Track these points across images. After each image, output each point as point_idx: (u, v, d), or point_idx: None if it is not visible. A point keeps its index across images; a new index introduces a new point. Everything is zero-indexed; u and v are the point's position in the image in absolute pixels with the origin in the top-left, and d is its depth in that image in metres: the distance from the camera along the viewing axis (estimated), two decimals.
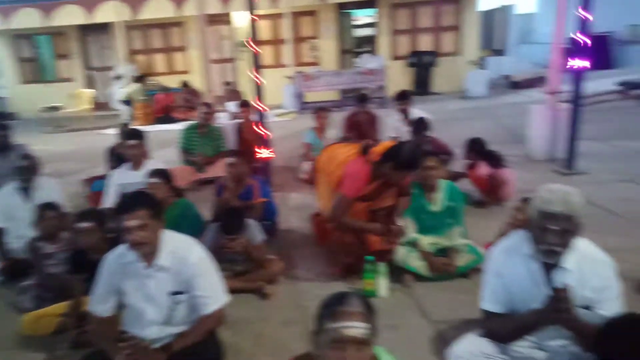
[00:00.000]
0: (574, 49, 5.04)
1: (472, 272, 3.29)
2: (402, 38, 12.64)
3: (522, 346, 2.15)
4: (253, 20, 5.15)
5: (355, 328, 1.47)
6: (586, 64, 4.95)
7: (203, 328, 2.35)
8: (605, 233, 3.83)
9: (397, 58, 12.63)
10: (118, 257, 2.34)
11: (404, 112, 5.99)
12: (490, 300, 2.20)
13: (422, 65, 12.17)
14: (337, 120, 6.87)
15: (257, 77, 5.34)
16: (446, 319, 2.85)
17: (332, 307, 1.52)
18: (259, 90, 5.42)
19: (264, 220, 4.14)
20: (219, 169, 5.21)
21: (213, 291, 2.37)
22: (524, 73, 12.18)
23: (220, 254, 3.28)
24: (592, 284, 2.01)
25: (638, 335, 1.37)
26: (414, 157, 3.08)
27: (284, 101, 12.07)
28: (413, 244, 3.40)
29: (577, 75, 5.04)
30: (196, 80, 13.17)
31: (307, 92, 11.62)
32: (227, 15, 12.79)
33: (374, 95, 12.04)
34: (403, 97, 5.97)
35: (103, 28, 12.94)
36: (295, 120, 10.35)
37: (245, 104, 6.22)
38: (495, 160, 4.70)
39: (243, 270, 3.36)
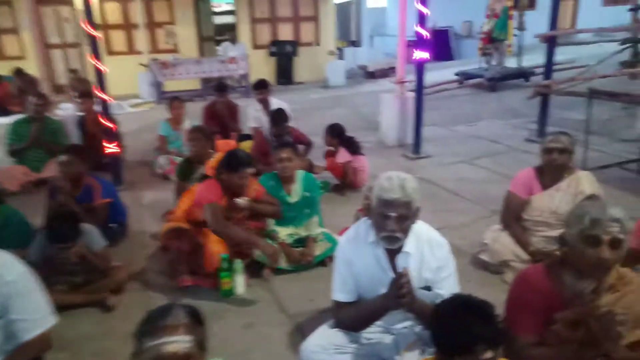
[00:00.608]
0: (416, 42, 5.38)
1: (329, 259, 3.33)
2: (262, 27, 12.52)
3: (372, 332, 2.20)
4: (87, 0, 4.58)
5: (175, 343, 1.33)
6: (426, 55, 5.33)
7: (23, 357, 2.00)
8: (448, 212, 4.20)
9: (258, 47, 12.49)
10: None
11: (263, 102, 5.90)
12: (340, 290, 2.21)
13: (283, 55, 12.21)
14: (196, 111, 6.56)
15: (97, 65, 4.78)
16: (304, 311, 2.84)
17: (151, 323, 1.36)
18: (100, 78, 4.88)
19: (109, 223, 3.76)
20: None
21: (35, 313, 2.02)
22: (378, 63, 12.92)
23: (54, 266, 2.89)
24: (430, 265, 2.12)
25: (460, 317, 1.44)
26: (235, 157, 3.07)
27: (140, 90, 11.23)
28: (270, 237, 3.34)
29: (419, 67, 5.41)
30: (32, 67, 11.62)
31: (166, 81, 10.94)
32: None
33: (237, 85, 11.83)
34: (261, 87, 5.87)
35: None
36: (153, 111, 9.68)
37: (85, 94, 5.57)
38: (353, 146, 4.84)
39: (83, 281, 2.98)
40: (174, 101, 5.54)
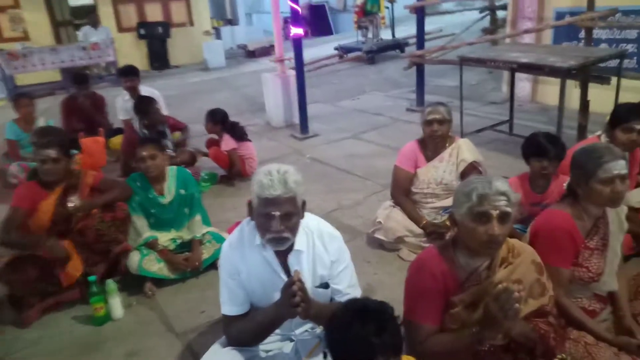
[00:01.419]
0: (291, 18, 5.16)
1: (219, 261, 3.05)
2: (126, 7, 11.42)
3: (270, 342, 2.00)
4: None
5: None
6: (301, 31, 5.14)
7: None
8: (340, 191, 4.11)
9: (124, 30, 11.40)
10: None
11: (132, 90, 5.31)
12: (228, 303, 1.97)
13: (154, 37, 11.29)
14: (57, 106, 5.75)
15: None
16: (195, 326, 2.55)
17: None
18: None
19: None
20: None
21: None
22: (258, 42, 12.52)
23: None
24: (324, 260, 1.95)
25: (356, 328, 1.28)
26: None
27: None
28: (150, 245, 2.96)
29: (297, 43, 5.21)
30: None
31: (17, 74, 9.56)
32: None
33: (104, 73, 10.73)
34: (128, 73, 5.26)
35: None
36: (4, 110, 8.39)
37: None
38: (238, 133, 4.52)
39: None
40: (20, 98, 4.74)
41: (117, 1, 11.30)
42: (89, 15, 10.90)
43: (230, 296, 1.96)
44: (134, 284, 2.88)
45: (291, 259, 1.91)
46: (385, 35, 10.28)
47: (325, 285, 2.00)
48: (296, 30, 5.12)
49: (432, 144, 3.07)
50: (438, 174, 3.06)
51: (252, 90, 8.26)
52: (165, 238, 3.07)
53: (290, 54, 5.55)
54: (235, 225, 3.32)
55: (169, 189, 3.06)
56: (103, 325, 2.61)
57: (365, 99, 7.26)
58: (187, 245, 3.10)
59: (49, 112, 6.75)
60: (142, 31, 11.23)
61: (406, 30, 11.51)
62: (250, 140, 4.65)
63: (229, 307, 1.97)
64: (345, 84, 8.36)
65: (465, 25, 8.46)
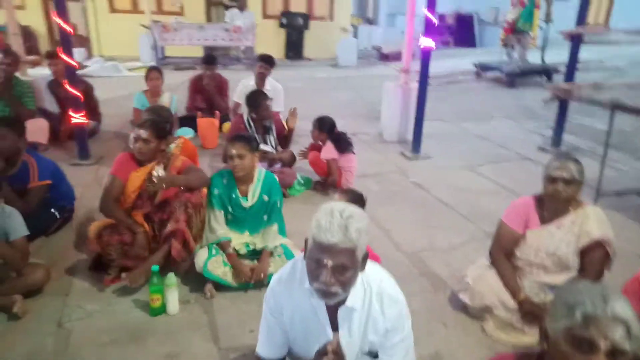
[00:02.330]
0: (425, 29, 4.79)
1: None
2: None
3: None
4: None
5: None
6: (431, 43, 4.74)
7: None
8: (435, 228, 3.70)
9: (268, 17, 11.84)
10: None
11: (261, 76, 5.40)
12: (265, 344, 1.80)
13: (294, 28, 11.55)
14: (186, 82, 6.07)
15: (61, 23, 4.25)
16: (239, 345, 2.39)
17: None
18: (66, 40, 4.36)
19: (50, 207, 3.33)
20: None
21: None
22: (393, 45, 12.19)
23: None
24: (378, 325, 1.67)
25: None
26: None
27: (141, 53, 10.73)
28: (221, 245, 2.87)
29: (425, 55, 4.82)
30: (31, 19, 11.16)
31: (167, 46, 10.42)
32: None
33: (241, 56, 11.25)
34: (266, 61, 5.37)
35: None
36: None
37: (52, 55, 5.07)
38: (342, 144, 4.31)
39: None
40: (151, 71, 5.03)
41: None
42: None
43: (268, 335, 1.78)
44: (197, 280, 2.82)
45: (341, 313, 1.65)
46: (533, 57, 9.29)
47: (374, 355, 1.71)
48: (426, 42, 4.73)
49: (552, 204, 2.55)
50: (552, 242, 2.53)
51: (374, 95, 7.98)
52: (238, 240, 2.97)
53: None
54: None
55: (254, 193, 2.95)
56: (157, 316, 2.58)
57: (493, 125, 6.59)
58: (259, 253, 2.98)
59: (181, 87, 7.19)
60: (284, 20, 11.55)
61: (559, 54, 10.31)
62: (354, 153, 4.40)
63: (265, 348, 1.79)
64: (474, 103, 7.72)
65: (633, 60, 7.31)
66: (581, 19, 4.90)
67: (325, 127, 4.29)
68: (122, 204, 2.90)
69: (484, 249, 3.32)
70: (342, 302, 1.61)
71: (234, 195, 2.92)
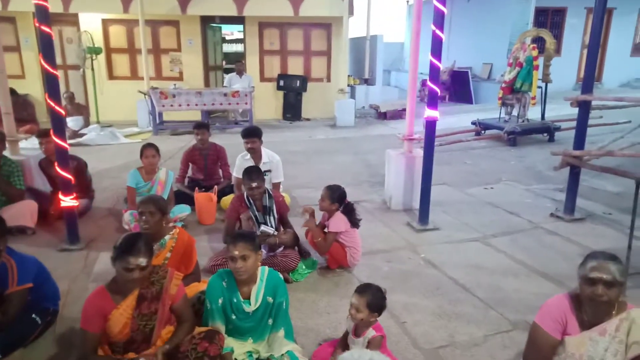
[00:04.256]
0: (428, 99, 4.67)
1: None
2: (271, 59, 11.99)
3: None
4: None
5: None
6: (436, 114, 4.61)
7: None
8: (453, 317, 3.38)
9: (265, 79, 11.95)
10: None
11: (253, 151, 5.21)
12: None
13: (291, 89, 11.62)
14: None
15: (52, 105, 4.09)
16: None
17: None
18: (56, 119, 4.17)
19: (31, 313, 3.02)
20: None
21: None
22: (391, 104, 12.25)
23: None
24: None
25: None
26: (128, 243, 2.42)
27: (139, 118, 10.71)
28: (222, 357, 2.55)
29: (429, 126, 4.67)
30: (30, 88, 11.22)
31: (165, 111, 10.39)
32: (73, 15, 11.10)
33: (239, 119, 11.24)
34: (250, 135, 5.16)
35: None
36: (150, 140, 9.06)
37: (44, 134, 4.90)
38: (354, 217, 4.03)
39: None
40: (147, 149, 4.83)
41: (264, 52, 11.91)
42: (236, 62, 11.62)
43: None
44: None
45: None
46: (533, 114, 9.25)
47: None
48: (431, 113, 4.60)
49: (592, 308, 2.27)
50: (596, 351, 2.23)
51: (375, 158, 7.87)
52: (241, 350, 2.66)
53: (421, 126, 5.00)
54: (323, 346, 2.82)
55: (257, 295, 2.67)
56: None
57: (500, 189, 6.39)
58: None
59: (178, 154, 7.04)
60: (282, 82, 11.64)
61: (558, 109, 10.33)
62: (358, 227, 4.13)
63: None
64: (479, 166, 7.55)
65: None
66: (587, 85, 4.79)
67: (336, 197, 4.01)
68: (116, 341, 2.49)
69: (512, 344, 3.04)
70: None
71: (235, 300, 2.64)
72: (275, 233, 4.01)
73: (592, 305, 2.26)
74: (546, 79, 8.45)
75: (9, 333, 2.81)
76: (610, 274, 2.17)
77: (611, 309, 2.26)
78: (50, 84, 4.08)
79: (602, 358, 2.21)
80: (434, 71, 4.56)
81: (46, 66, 4.02)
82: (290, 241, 4.05)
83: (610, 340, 2.22)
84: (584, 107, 4.90)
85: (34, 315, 3.01)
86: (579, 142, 4.91)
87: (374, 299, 2.48)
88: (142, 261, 2.39)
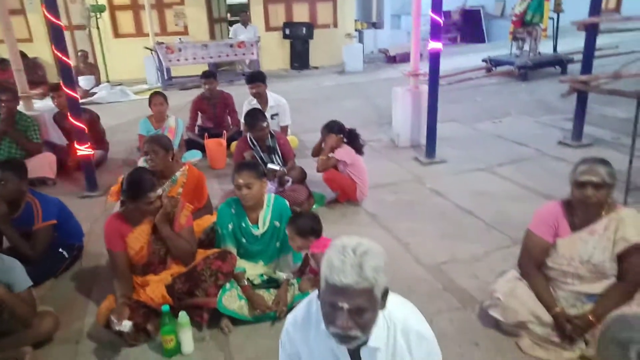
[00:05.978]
0: (431, 30, 4.63)
1: None
2: (276, 7, 11.77)
3: None
4: None
5: None
6: (439, 46, 4.57)
7: None
8: (457, 238, 3.53)
9: (271, 29, 11.79)
10: None
11: (258, 96, 5.27)
12: None
13: (298, 38, 11.46)
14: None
15: (62, 57, 4.20)
16: None
17: None
18: (65, 71, 4.29)
19: (58, 247, 3.24)
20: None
21: None
22: (400, 47, 12.03)
23: None
24: None
25: None
26: (135, 183, 2.59)
27: (147, 75, 10.77)
28: (235, 276, 2.74)
29: (433, 58, 4.66)
30: (39, 50, 11.29)
31: (172, 66, 10.41)
32: None
33: (246, 70, 11.19)
34: (254, 80, 5.23)
35: None
36: None
37: (56, 88, 5.03)
38: (358, 143, 4.11)
39: None
40: (154, 96, 4.95)
41: (268, 0, 11.69)
42: (240, 13, 11.46)
43: None
44: (212, 315, 2.68)
45: (364, 354, 1.51)
46: (545, 48, 9.03)
47: None
48: (434, 45, 4.57)
49: (582, 210, 2.36)
50: (586, 249, 2.34)
51: (383, 100, 7.83)
52: (252, 271, 2.84)
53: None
54: (322, 242, 2.89)
55: (264, 219, 2.82)
56: (171, 357, 2.45)
57: (509, 122, 6.38)
58: (274, 281, 2.85)
59: (187, 107, 7.13)
60: (287, 31, 11.48)
61: (571, 43, 10.01)
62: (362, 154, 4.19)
63: None
64: (488, 102, 7.50)
65: None
66: (595, 6, 4.68)
67: (336, 129, 4.08)
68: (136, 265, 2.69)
69: (511, 258, 3.15)
70: (364, 342, 1.47)
71: (244, 224, 2.80)
72: (283, 169, 4.14)
73: (582, 207, 2.35)
74: (558, 9, 8.20)
75: (40, 266, 3.05)
76: (598, 176, 2.24)
77: (600, 210, 2.34)
78: (56, 36, 4.16)
79: (591, 255, 2.32)
80: (436, 0, 4.49)
81: (50, 17, 4.09)
82: (299, 175, 4.19)
83: (599, 239, 2.33)
84: (591, 31, 4.80)
85: (61, 250, 3.25)
86: (587, 67, 4.85)
87: (301, 225, 2.61)
88: (152, 196, 2.59)
